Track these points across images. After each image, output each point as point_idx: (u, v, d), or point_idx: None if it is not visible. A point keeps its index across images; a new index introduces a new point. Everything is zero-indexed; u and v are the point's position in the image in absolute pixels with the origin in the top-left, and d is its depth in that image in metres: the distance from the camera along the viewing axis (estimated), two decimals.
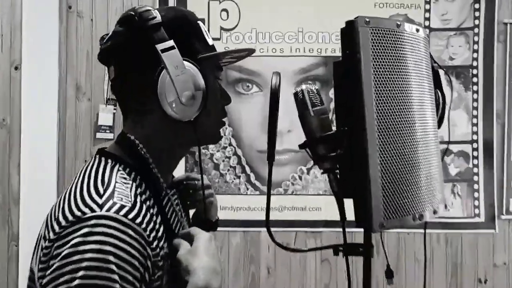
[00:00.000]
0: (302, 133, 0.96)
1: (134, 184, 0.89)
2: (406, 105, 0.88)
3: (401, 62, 0.88)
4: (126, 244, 0.78)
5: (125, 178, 0.89)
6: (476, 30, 2.66)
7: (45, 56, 2.56)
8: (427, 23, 2.67)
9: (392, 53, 0.87)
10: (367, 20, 0.84)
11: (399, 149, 0.86)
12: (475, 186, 2.65)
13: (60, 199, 0.87)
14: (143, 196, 0.89)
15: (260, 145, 2.61)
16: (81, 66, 2.61)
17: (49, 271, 0.77)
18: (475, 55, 2.66)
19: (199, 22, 0.99)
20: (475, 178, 2.64)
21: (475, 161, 2.65)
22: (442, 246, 2.64)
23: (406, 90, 0.89)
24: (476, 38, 2.66)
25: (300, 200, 2.62)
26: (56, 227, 0.81)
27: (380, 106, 0.84)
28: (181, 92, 0.88)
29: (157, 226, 0.87)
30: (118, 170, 0.90)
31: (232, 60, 1.10)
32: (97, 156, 0.95)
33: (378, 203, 0.84)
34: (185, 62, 0.89)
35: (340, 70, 0.88)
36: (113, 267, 0.76)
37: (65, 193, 0.87)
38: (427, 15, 2.66)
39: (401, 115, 0.87)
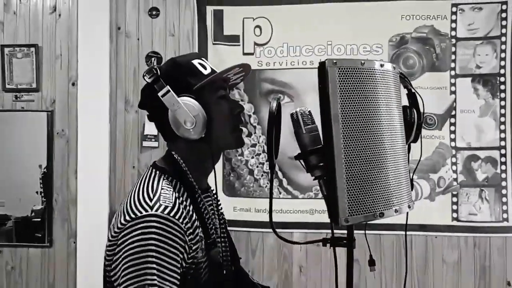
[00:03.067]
0: None
1: (175, 189, 1.18)
2: (373, 126, 1.07)
3: (367, 92, 1.06)
4: (169, 233, 1.08)
5: (168, 185, 1.19)
6: (503, 38, 2.72)
7: (98, 73, 2.86)
8: (453, 33, 2.75)
9: (358, 85, 1.05)
10: (335, 61, 1.02)
11: (363, 161, 1.06)
12: (503, 191, 2.70)
13: (122, 205, 1.18)
14: (181, 198, 1.17)
15: (291, 151, 2.74)
16: (129, 81, 2.89)
17: (116, 260, 1.10)
18: (502, 63, 2.72)
19: (193, 61, 1.26)
20: (503, 183, 2.70)
21: (503, 167, 2.71)
22: (470, 249, 2.71)
23: (373, 113, 1.07)
24: (503, 47, 2.72)
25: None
26: (120, 225, 1.11)
27: (347, 129, 1.05)
28: (183, 120, 1.18)
29: (193, 218, 1.16)
30: (164, 179, 1.21)
31: (237, 80, 1.34)
32: (150, 168, 1.26)
33: (344, 203, 1.04)
34: (182, 98, 1.18)
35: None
36: (156, 248, 1.06)
37: (126, 200, 1.17)
38: (453, 25, 2.75)
39: (367, 134, 1.06)
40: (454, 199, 2.73)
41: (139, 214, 1.09)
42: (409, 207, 1.15)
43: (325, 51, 2.80)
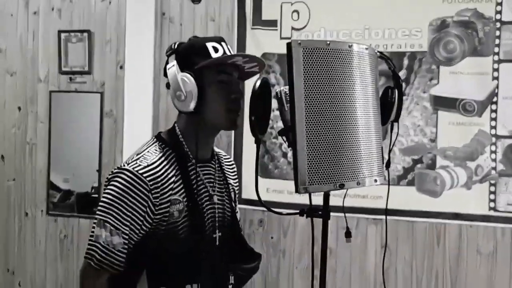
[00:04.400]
0: None
1: (163, 156, 1.36)
2: (337, 103, 1.13)
3: (333, 71, 1.12)
4: (132, 185, 1.31)
5: (156, 151, 1.38)
6: None
7: (143, 57, 3.03)
8: (498, 16, 2.64)
9: (323, 65, 1.12)
10: (299, 42, 1.08)
11: (324, 135, 1.13)
12: None
13: None
14: (164, 163, 1.35)
15: None
16: None
17: None
18: None
19: (208, 43, 1.37)
20: None
21: None
22: (507, 240, 2.63)
23: (339, 91, 1.13)
24: None
25: (362, 188, 2.77)
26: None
27: (309, 105, 1.12)
28: (176, 93, 1.33)
29: (170, 182, 1.34)
30: (156, 146, 1.39)
31: (254, 70, 1.45)
32: (153, 137, 1.45)
33: (304, 172, 1.11)
34: (183, 73, 1.31)
35: None
36: (118, 195, 1.31)
37: None
38: (498, 8, 2.64)
39: (330, 109, 1.13)
40: (492, 188, 2.65)
41: (116, 169, 1.35)
42: (375, 181, 1.18)
43: (362, 35, 2.79)
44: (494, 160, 2.65)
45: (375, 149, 1.20)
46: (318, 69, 1.09)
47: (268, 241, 2.94)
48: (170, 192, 1.34)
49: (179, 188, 1.36)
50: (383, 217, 2.76)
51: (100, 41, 3.12)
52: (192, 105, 1.31)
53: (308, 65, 1.09)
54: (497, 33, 2.65)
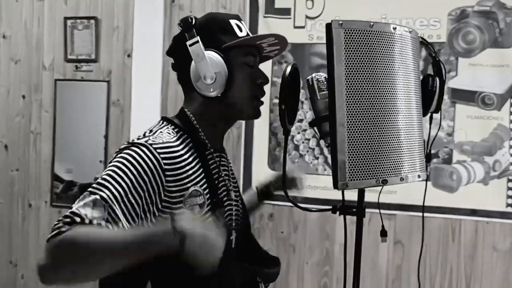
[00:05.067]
0: None
1: (175, 138, 1.16)
2: (381, 91, 1.04)
3: (377, 56, 1.02)
4: (141, 159, 1.08)
5: (169, 133, 1.18)
6: None
7: (152, 45, 2.94)
8: None
9: (366, 48, 1.02)
10: (341, 22, 0.99)
11: (367, 126, 1.04)
12: None
13: None
14: (185, 148, 1.16)
15: None
16: None
17: None
18: None
19: (231, 20, 1.24)
20: None
21: None
22: None
23: (383, 78, 1.04)
24: None
25: None
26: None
27: (351, 92, 1.03)
28: (203, 74, 1.16)
29: (189, 171, 1.14)
30: (168, 127, 1.19)
31: (272, 53, 1.31)
32: (160, 120, 1.25)
33: (344, 167, 1.02)
34: (209, 51, 1.17)
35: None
36: (126, 170, 1.07)
37: None
38: None
39: (373, 99, 1.04)
40: (510, 184, 2.57)
41: (124, 145, 1.14)
42: (418, 176, 1.10)
43: None
44: None
45: (417, 142, 1.11)
46: (361, 53, 1.01)
47: (278, 236, 2.87)
48: (188, 180, 1.14)
49: (200, 178, 1.18)
50: (396, 212, 2.71)
51: (107, 29, 3.04)
52: (219, 89, 1.17)
53: (350, 48, 1.00)
54: None
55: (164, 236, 0.96)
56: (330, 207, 1.16)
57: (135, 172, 1.06)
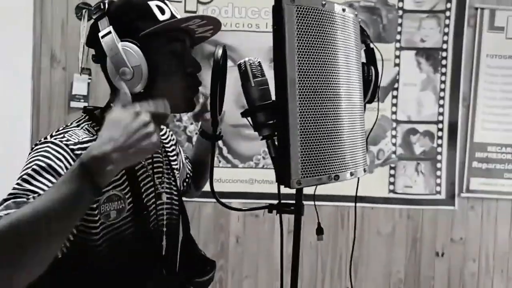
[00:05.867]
0: None
1: (95, 137, 1.01)
2: (331, 78, 0.95)
3: (326, 38, 0.94)
4: (54, 157, 1.00)
5: (88, 131, 1.08)
6: (447, 13, 2.72)
7: (19, 24, 2.54)
8: (400, 4, 2.71)
9: (317, 29, 0.92)
10: None
11: (319, 118, 0.94)
12: (438, 165, 2.76)
13: None
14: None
15: (233, 119, 2.62)
16: (56, 35, 2.60)
17: None
18: (445, 38, 2.73)
19: (150, 2, 1.07)
20: (438, 157, 2.76)
21: (439, 141, 2.76)
22: (403, 221, 2.77)
23: (332, 64, 0.95)
24: (447, 21, 2.72)
25: (271, 174, 2.69)
26: None
27: (303, 79, 0.92)
28: (120, 70, 1.02)
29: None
30: (86, 124, 1.09)
31: (205, 35, 1.17)
32: (82, 113, 1.13)
33: (296, 163, 0.93)
34: (124, 43, 1.02)
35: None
36: (44, 163, 0.98)
37: None
38: None
39: (325, 87, 0.95)
40: (392, 172, 2.76)
41: (36, 144, 1.04)
42: (364, 170, 1.06)
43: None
44: (394, 144, 2.76)
45: (360, 135, 1.05)
46: (312, 35, 0.89)
47: None
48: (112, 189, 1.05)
49: (120, 182, 1.07)
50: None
51: None
52: (141, 84, 1.03)
53: (302, 27, 0.89)
54: (399, 20, 2.72)
55: (71, 173, 0.86)
56: (266, 204, 1.08)
57: (47, 172, 0.97)
